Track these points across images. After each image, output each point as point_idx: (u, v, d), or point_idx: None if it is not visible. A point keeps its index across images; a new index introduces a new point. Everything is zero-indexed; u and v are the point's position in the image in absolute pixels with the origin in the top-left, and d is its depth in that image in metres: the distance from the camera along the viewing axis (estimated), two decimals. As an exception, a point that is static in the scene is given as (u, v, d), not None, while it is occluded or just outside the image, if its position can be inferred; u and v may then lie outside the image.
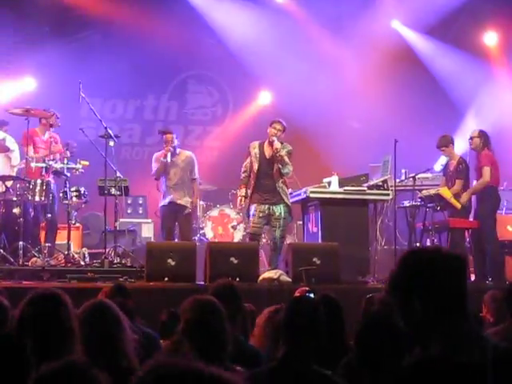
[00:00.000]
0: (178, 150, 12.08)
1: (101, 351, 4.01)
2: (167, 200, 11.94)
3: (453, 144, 11.93)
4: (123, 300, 5.87)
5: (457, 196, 11.52)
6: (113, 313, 4.28)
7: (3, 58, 14.79)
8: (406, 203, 12.31)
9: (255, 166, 11.08)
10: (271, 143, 11.04)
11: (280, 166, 10.96)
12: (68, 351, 3.68)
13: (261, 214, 10.98)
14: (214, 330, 4.18)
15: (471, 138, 11.73)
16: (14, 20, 14.66)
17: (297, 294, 6.57)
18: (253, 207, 11.05)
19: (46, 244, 11.10)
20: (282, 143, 11.00)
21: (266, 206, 11.01)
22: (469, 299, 2.78)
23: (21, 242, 10.64)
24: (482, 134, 11.65)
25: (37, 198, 11.04)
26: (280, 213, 11.03)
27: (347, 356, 4.55)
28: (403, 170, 12.81)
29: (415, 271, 2.78)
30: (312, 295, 4.87)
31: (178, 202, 11.92)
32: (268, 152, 11.13)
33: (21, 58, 14.87)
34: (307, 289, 6.69)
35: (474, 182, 11.88)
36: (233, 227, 14.06)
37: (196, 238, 13.51)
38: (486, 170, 11.37)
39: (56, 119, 11.87)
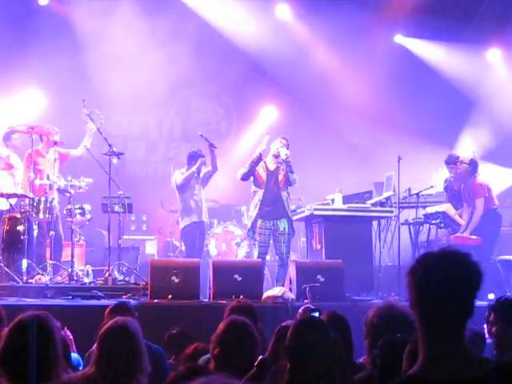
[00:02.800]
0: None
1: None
2: (196, 218, 12.08)
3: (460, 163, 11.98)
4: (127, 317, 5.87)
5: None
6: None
7: (8, 74, 14.81)
8: (410, 220, 12.32)
9: (263, 177, 11.21)
10: (276, 156, 11.25)
11: (290, 173, 11.15)
12: (51, 377, 3.69)
13: (267, 232, 11.16)
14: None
15: (461, 163, 11.76)
16: (21, 33, 14.70)
17: (300, 311, 6.55)
18: (258, 223, 11.15)
19: (51, 261, 11.08)
20: None
21: (271, 223, 11.16)
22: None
23: (25, 260, 10.65)
24: (473, 163, 11.69)
25: (41, 216, 11.03)
26: (284, 228, 11.22)
27: (358, 373, 4.55)
28: (406, 187, 12.80)
29: (408, 278, 2.75)
30: (317, 314, 4.85)
31: (205, 220, 12.24)
32: (271, 165, 11.35)
33: (26, 74, 14.89)
34: (311, 307, 6.66)
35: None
36: (237, 244, 14.06)
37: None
38: (480, 203, 11.43)
39: (55, 136, 11.87)
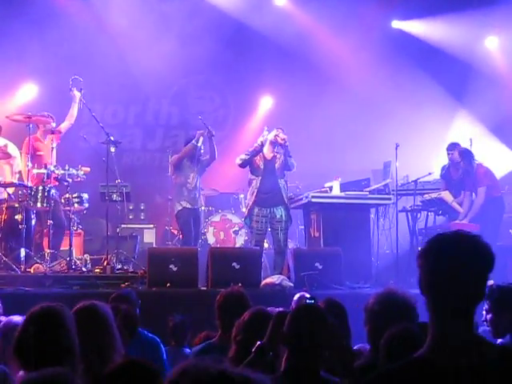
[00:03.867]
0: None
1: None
2: (188, 205, 12.01)
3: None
4: (127, 307, 5.88)
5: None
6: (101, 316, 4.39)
7: (3, 63, 14.78)
8: (408, 207, 12.33)
9: (261, 165, 11.22)
10: (273, 142, 11.31)
11: (288, 157, 11.19)
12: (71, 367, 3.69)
13: (263, 220, 11.15)
14: None
15: (452, 153, 11.76)
16: (14, 23, 14.64)
17: (295, 299, 6.57)
18: (255, 211, 11.16)
19: (50, 250, 11.07)
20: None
21: (268, 210, 11.16)
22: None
23: (23, 249, 10.64)
24: (464, 153, 11.65)
25: (38, 205, 11.01)
26: (281, 215, 11.23)
27: (358, 360, 4.56)
28: (404, 174, 12.80)
29: (420, 260, 2.72)
30: (312, 301, 4.88)
31: (202, 208, 12.24)
32: (268, 154, 11.38)
33: (21, 64, 14.86)
34: (306, 295, 6.68)
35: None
36: (235, 232, 14.06)
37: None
38: (482, 191, 11.39)
39: (51, 123, 11.86)
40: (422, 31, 16.45)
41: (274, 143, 11.32)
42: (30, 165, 11.21)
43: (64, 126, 12.12)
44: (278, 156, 11.32)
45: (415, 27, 16.55)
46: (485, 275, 2.69)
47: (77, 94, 11.85)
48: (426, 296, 2.69)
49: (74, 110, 12.08)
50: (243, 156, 11.38)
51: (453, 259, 2.64)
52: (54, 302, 4.12)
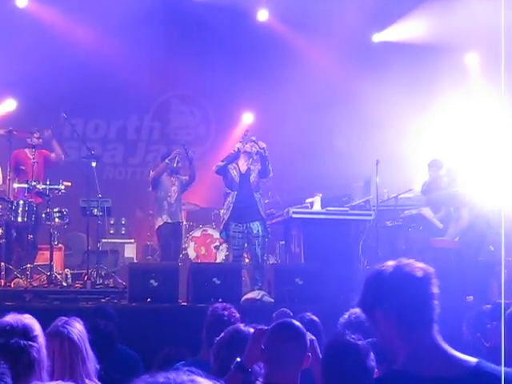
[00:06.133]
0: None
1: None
2: (168, 219, 11.96)
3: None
4: (105, 322, 5.88)
5: None
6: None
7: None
8: (388, 223, 12.36)
9: (236, 179, 11.19)
10: (247, 154, 11.30)
11: (266, 163, 11.17)
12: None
13: (240, 235, 11.10)
14: None
15: (441, 177, 11.73)
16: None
17: (274, 315, 6.58)
18: (231, 226, 11.12)
19: (30, 265, 11.02)
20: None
21: (244, 226, 11.11)
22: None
23: (2, 263, 10.60)
24: (450, 173, 11.68)
25: (19, 219, 10.97)
26: (257, 230, 11.15)
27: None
28: (385, 190, 12.83)
29: (375, 286, 2.92)
30: (290, 318, 4.89)
31: (181, 221, 12.28)
32: (242, 166, 11.35)
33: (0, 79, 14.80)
34: (285, 311, 6.70)
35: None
36: (215, 247, 14.04)
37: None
38: (464, 213, 11.38)
39: (38, 139, 11.78)
40: (402, 36, 16.48)
41: (248, 154, 11.29)
42: (9, 176, 11.21)
43: (54, 159, 12.01)
44: (252, 168, 11.31)
45: (394, 34, 16.58)
46: (430, 293, 2.81)
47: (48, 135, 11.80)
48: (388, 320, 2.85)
49: (57, 149, 11.97)
50: (220, 163, 11.37)
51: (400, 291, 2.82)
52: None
